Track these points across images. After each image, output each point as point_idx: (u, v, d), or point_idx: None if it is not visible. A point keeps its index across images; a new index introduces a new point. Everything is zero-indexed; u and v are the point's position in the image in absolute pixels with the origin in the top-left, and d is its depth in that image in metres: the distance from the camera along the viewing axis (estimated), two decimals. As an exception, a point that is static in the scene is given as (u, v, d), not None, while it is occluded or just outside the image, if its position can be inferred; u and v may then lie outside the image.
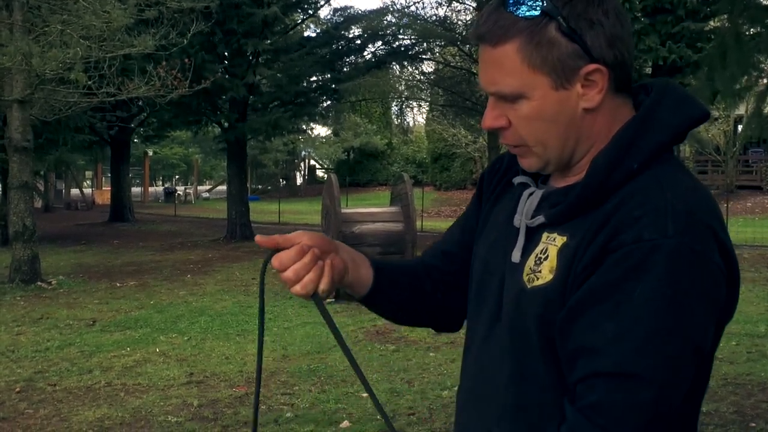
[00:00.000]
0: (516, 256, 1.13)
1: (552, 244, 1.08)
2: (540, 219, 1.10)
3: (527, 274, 1.09)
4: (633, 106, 1.12)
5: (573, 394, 1.01)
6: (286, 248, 1.13)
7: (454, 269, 1.33)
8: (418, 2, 28.54)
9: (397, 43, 20.37)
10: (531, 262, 1.10)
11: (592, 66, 1.04)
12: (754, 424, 4.60)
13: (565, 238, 1.06)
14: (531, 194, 1.15)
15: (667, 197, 1.00)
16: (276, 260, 1.12)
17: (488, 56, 1.08)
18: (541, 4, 1.03)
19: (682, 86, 1.14)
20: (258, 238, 1.14)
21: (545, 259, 1.08)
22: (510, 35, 1.04)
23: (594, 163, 1.06)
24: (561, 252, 1.06)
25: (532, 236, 1.12)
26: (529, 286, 1.08)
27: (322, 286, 1.13)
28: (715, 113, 22.84)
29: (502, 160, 1.30)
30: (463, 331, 1.31)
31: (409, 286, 1.31)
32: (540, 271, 1.08)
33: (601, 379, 0.97)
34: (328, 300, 9.00)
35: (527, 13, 1.03)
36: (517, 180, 1.20)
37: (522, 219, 1.14)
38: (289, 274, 1.11)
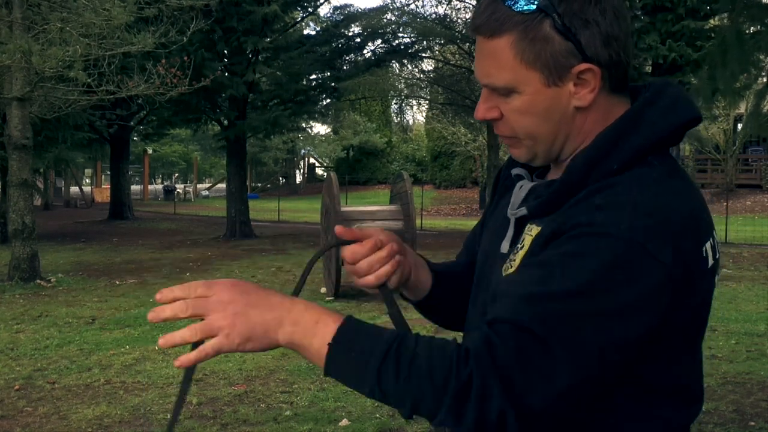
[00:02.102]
0: (504, 246, 1.15)
1: (528, 234, 1.10)
2: (522, 211, 1.12)
3: (505, 264, 1.11)
4: (631, 106, 1.11)
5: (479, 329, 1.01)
6: (361, 241, 1.17)
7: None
8: (418, 0, 28.55)
9: (396, 41, 20.39)
10: (511, 252, 1.12)
11: (585, 65, 1.04)
12: (753, 423, 4.60)
13: (540, 228, 1.07)
14: (521, 186, 1.17)
15: (633, 193, 0.99)
16: (349, 252, 1.16)
17: (483, 48, 1.08)
18: None
19: (682, 87, 1.13)
20: (338, 228, 1.18)
21: (521, 248, 1.10)
22: (505, 29, 1.04)
23: (573, 161, 1.07)
24: (534, 241, 1.07)
25: (521, 227, 1.13)
26: (504, 275, 1.10)
27: (393, 279, 1.18)
28: (715, 111, 22.82)
29: None
30: None
31: (459, 291, 1.32)
32: (515, 260, 1.09)
33: (507, 326, 0.96)
34: (328, 298, 9.01)
35: (524, 8, 1.03)
36: (515, 171, 1.22)
37: (509, 210, 1.16)
38: (362, 264, 1.15)
